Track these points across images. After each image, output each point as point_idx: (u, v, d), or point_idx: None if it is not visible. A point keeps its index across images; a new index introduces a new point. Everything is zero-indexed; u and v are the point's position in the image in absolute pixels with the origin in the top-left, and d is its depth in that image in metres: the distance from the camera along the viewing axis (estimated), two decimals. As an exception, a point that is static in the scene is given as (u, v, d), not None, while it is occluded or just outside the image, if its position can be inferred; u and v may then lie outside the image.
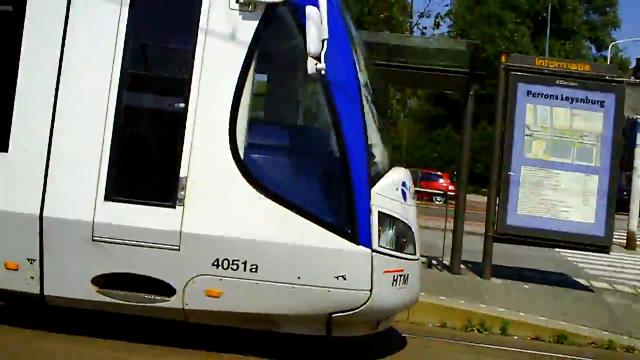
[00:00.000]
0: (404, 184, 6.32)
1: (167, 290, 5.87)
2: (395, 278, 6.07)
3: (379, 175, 6.04)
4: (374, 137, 6.16)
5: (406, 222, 6.22)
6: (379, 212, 5.87)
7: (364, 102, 5.96)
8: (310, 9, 5.43)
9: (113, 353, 6.11)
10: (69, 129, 5.85)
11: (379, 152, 6.25)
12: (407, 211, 6.28)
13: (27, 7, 5.94)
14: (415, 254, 6.38)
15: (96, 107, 5.80)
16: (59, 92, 5.86)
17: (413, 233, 6.35)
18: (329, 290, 5.78)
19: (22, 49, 5.93)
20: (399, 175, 6.33)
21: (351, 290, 5.81)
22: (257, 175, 5.75)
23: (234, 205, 5.74)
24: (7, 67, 5.94)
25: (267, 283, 5.77)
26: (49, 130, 5.86)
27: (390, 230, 6.08)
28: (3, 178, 5.92)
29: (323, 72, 5.45)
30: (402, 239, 6.20)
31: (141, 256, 5.80)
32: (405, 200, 6.28)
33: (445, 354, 7.28)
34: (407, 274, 6.22)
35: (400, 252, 6.14)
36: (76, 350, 6.08)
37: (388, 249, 6.00)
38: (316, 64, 5.43)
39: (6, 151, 5.93)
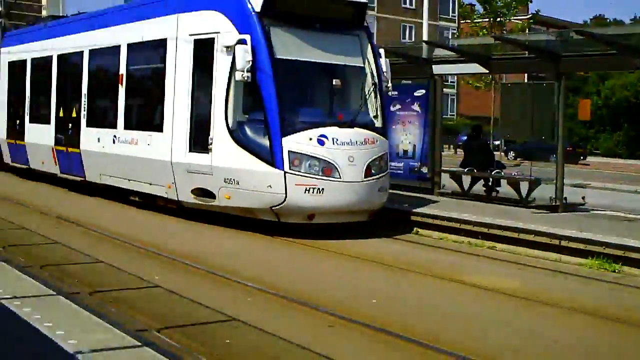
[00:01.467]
0: (323, 136, 10.83)
1: (214, 196, 11.72)
2: (307, 189, 10.70)
3: (296, 131, 10.75)
4: (299, 110, 10.93)
5: (321, 157, 10.73)
6: (288, 150, 10.63)
7: (287, 90, 10.81)
8: (237, 47, 10.67)
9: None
10: (177, 120, 12.24)
11: (302, 119, 10.92)
12: (329, 152, 10.77)
13: (166, 66, 12.58)
14: (339, 177, 10.79)
15: (184, 110, 12.05)
16: (174, 103, 12.31)
17: (335, 165, 10.79)
18: (266, 193, 10.84)
19: (165, 83, 12.57)
20: (319, 131, 10.87)
21: (275, 193, 10.77)
22: (236, 136, 11.16)
23: (229, 152, 11.27)
24: (160, 92, 12.67)
25: (244, 190, 11.14)
26: (171, 121, 12.35)
27: (305, 162, 10.73)
28: (162, 144, 12.62)
29: (247, 79, 10.61)
30: (317, 167, 10.73)
31: (202, 178, 11.79)
32: (322, 145, 10.78)
33: None
34: (322, 188, 10.73)
35: (314, 174, 10.70)
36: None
37: (300, 172, 10.68)
38: (242, 75, 10.63)
39: (162, 131, 12.64)
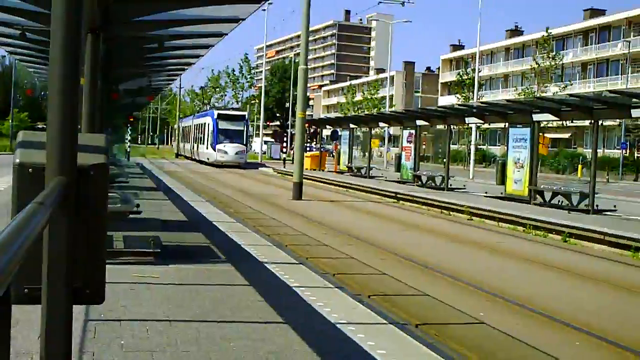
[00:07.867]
0: (226, 145, 49.50)
1: (208, 159, 50.68)
2: (221, 156, 49.46)
3: (221, 143, 49.57)
4: (222, 139, 49.80)
5: (224, 150, 49.42)
6: (217, 148, 49.59)
7: (221, 134, 49.76)
8: (210, 124, 49.88)
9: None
10: (203, 140, 51.57)
11: (223, 141, 49.63)
12: (226, 148, 49.45)
13: (205, 128, 52.05)
14: (228, 154, 49.35)
15: (204, 138, 51.40)
16: (203, 136, 51.65)
17: (227, 151, 49.39)
18: (212, 158, 49.74)
19: (203, 132, 52.02)
20: (225, 143, 49.54)
21: (214, 157, 49.62)
22: (210, 144, 50.14)
23: (209, 149, 50.31)
24: (202, 135, 52.14)
25: (210, 157, 49.99)
26: (202, 140, 51.65)
27: (221, 150, 49.50)
28: (203, 146, 51.87)
29: (212, 130, 49.66)
30: (225, 150, 49.40)
31: (206, 155, 50.70)
32: (224, 147, 49.54)
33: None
34: (224, 157, 49.50)
35: (222, 153, 49.46)
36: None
37: (220, 153, 49.49)
38: (210, 129, 49.74)
39: (203, 143, 52.02)
